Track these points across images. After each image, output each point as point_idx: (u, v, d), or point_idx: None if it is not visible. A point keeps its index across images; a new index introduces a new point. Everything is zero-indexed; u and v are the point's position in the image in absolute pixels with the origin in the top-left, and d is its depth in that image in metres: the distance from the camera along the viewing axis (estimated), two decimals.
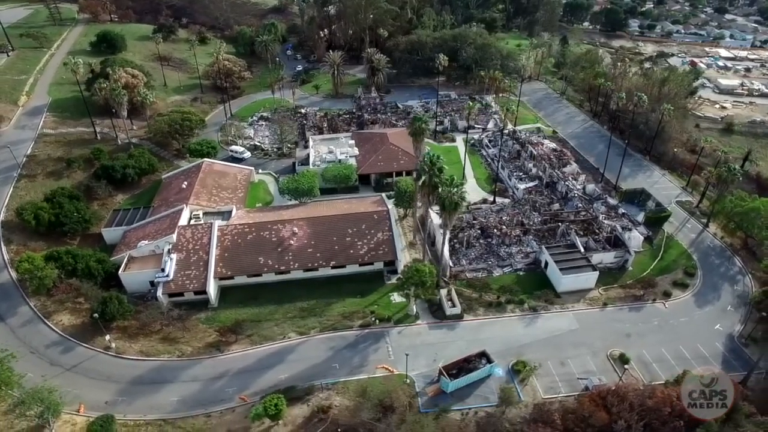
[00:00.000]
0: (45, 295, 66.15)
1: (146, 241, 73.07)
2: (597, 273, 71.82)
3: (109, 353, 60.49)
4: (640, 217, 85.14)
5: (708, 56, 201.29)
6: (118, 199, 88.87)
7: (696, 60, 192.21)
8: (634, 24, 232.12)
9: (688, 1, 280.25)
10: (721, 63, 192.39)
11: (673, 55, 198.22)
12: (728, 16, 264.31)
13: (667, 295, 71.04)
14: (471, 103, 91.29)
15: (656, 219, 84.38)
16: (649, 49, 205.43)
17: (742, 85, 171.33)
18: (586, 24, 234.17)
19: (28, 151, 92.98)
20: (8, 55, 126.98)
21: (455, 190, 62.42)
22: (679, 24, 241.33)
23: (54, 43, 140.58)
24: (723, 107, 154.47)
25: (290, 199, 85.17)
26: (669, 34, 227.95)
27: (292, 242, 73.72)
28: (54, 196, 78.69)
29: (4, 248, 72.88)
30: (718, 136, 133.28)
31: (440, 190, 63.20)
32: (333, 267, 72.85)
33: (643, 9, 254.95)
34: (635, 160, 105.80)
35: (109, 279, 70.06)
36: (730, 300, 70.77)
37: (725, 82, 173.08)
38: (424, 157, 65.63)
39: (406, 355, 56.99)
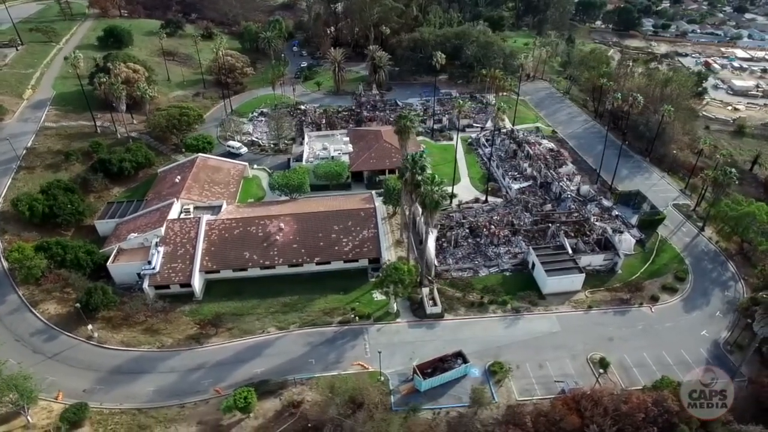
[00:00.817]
0: (34, 285, 67.65)
1: (135, 234, 74.18)
2: (583, 275, 70.86)
3: (91, 343, 61.61)
4: (634, 220, 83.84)
5: (723, 56, 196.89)
6: (114, 192, 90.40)
7: (710, 60, 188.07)
8: (648, 23, 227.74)
9: (707, 0, 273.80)
10: (736, 64, 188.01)
11: (687, 55, 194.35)
12: (748, 16, 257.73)
13: (654, 299, 69.84)
14: (461, 102, 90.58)
15: (650, 222, 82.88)
16: (663, 49, 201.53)
17: (757, 86, 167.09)
18: (598, 23, 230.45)
19: (29, 144, 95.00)
20: (17, 50, 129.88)
21: (436, 188, 62.08)
22: (695, 23, 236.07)
23: (63, 37, 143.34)
24: (736, 109, 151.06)
25: (280, 195, 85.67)
26: (684, 33, 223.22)
27: (277, 238, 74.18)
28: (49, 188, 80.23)
29: None
30: (729, 138, 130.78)
31: (422, 188, 62.91)
32: (317, 263, 73.09)
33: (659, 8, 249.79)
34: (635, 161, 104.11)
35: (98, 270, 71.27)
36: (720, 306, 69.33)
37: (739, 83, 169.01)
38: (406, 156, 65.38)
39: (379, 352, 57.04)
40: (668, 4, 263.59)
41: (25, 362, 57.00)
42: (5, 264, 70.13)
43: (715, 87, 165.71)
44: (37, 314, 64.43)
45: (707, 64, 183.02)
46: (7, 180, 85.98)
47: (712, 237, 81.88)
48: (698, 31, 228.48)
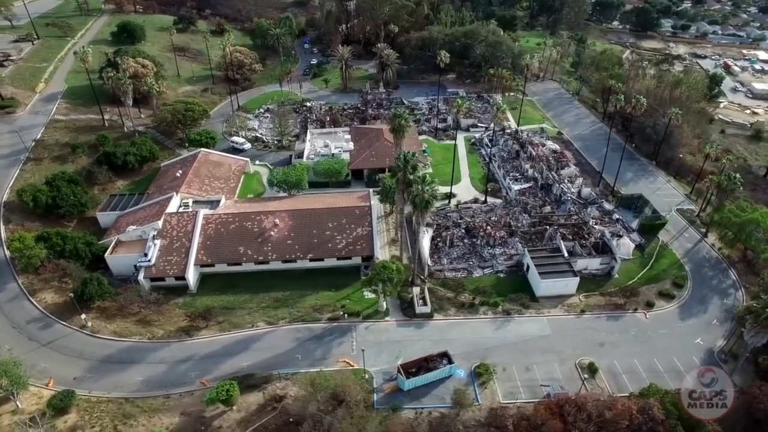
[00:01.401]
0: (33, 274, 69.26)
1: (134, 227, 75.48)
2: (578, 279, 69.89)
3: (85, 332, 62.88)
4: (635, 224, 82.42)
5: (744, 58, 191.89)
6: (118, 185, 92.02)
7: (730, 62, 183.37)
8: (666, 24, 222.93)
9: (731, 1, 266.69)
10: (758, 66, 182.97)
11: (705, 57, 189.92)
12: None
13: (650, 305, 68.58)
14: (461, 101, 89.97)
15: (651, 226, 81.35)
16: (681, 50, 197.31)
17: None
18: (615, 23, 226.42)
19: (38, 136, 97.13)
20: (33, 44, 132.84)
21: (427, 188, 61.87)
22: (716, 24, 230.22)
23: (78, 32, 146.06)
24: (754, 113, 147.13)
25: (279, 191, 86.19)
26: (705, 35, 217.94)
27: (272, 233, 74.70)
28: (54, 180, 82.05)
29: (2, 227, 76.58)
30: (745, 143, 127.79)
31: (413, 187, 62.76)
32: (311, 259, 73.47)
33: (679, 8, 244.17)
34: (641, 164, 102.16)
35: (97, 261, 72.60)
36: (717, 314, 67.70)
37: (760, 86, 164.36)
38: (399, 155, 65.25)
39: (363, 350, 57.15)
40: (689, 5, 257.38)
41: (20, 349, 58.68)
42: (7, 253, 71.95)
43: (734, 90, 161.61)
44: (35, 303, 65.99)
45: (726, 66, 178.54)
46: (15, 171, 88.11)
47: (715, 243, 79.94)
48: (719, 32, 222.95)
